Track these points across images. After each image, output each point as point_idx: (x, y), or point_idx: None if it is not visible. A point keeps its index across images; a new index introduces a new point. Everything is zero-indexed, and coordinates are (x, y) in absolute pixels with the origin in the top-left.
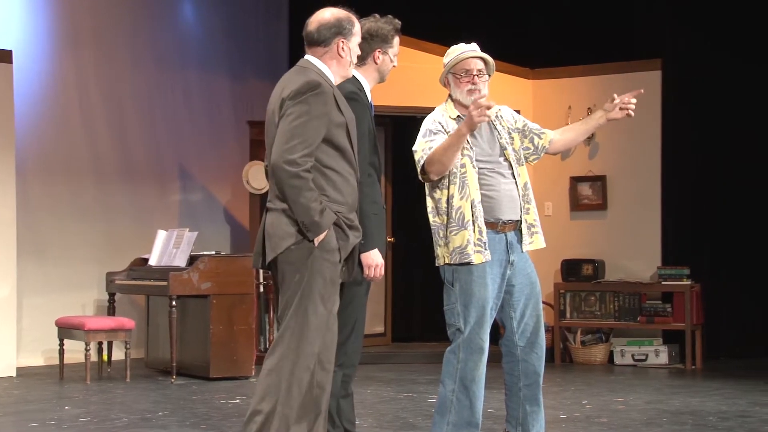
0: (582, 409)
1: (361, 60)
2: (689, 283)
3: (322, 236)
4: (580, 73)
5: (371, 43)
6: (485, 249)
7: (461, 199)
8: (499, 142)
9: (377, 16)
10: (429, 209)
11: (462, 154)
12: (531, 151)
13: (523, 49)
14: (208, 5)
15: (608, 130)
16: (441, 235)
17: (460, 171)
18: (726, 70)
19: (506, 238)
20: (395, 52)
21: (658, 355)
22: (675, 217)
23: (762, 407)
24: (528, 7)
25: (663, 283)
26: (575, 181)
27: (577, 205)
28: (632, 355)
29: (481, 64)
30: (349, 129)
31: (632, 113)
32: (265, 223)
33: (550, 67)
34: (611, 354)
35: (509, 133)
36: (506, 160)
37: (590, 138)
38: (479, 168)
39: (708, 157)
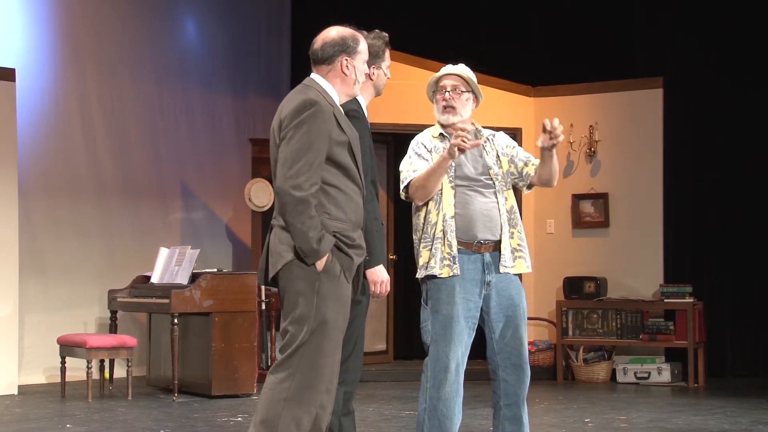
0: (584, 427)
1: None
2: (691, 300)
3: (322, 261)
4: (582, 90)
5: None
6: (454, 263)
7: (437, 215)
8: (485, 161)
9: (365, 33)
10: (413, 227)
11: None
12: (516, 177)
13: (524, 67)
14: (211, 23)
15: (610, 149)
16: (416, 252)
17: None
18: (727, 88)
19: (483, 259)
20: (387, 65)
21: (661, 373)
22: (677, 234)
23: (765, 426)
24: (529, 25)
25: (665, 300)
26: (577, 198)
27: (579, 222)
28: (635, 373)
29: (456, 82)
30: (352, 147)
31: (555, 139)
32: (269, 239)
33: (551, 85)
34: (614, 372)
35: (498, 156)
36: (490, 179)
37: (592, 155)
38: (457, 184)
39: (709, 174)
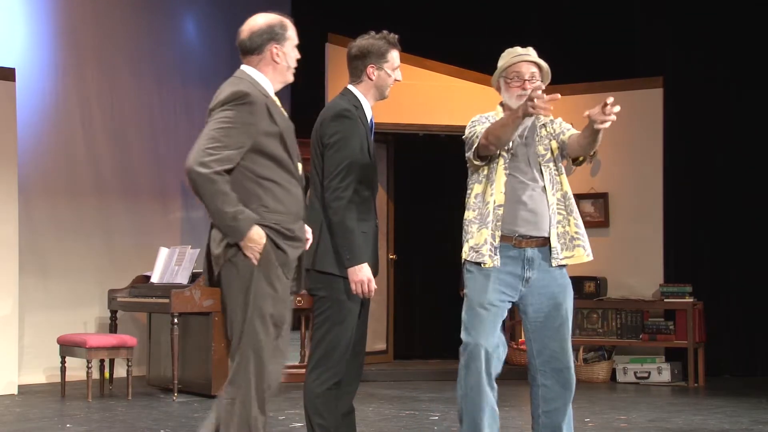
0: (585, 427)
1: (356, 77)
2: (691, 300)
3: (255, 247)
4: (582, 90)
5: (364, 59)
6: (495, 254)
7: (490, 195)
8: (537, 149)
9: (373, 33)
10: (466, 203)
11: (499, 153)
12: (561, 147)
13: None
14: (210, 22)
15: (610, 148)
16: (467, 231)
17: (493, 168)
18: (727, 88)
19: (524, 254)
20: (392, 66)
21: (661, 372)
22: (677, 234)
23: (765, 425)
24: (530, 25)
25: (665, 300)
26: (577, 198)
27: None
28: (635, 373)
29: (534, 69)
30: (285, 138)
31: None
32: (208, 239)
33: (552, 85)
34: (614, 372)
35: (550, 141)
36: (540, 171)
37: (592, 155)
38: (510, 172)
39: (709, 174)
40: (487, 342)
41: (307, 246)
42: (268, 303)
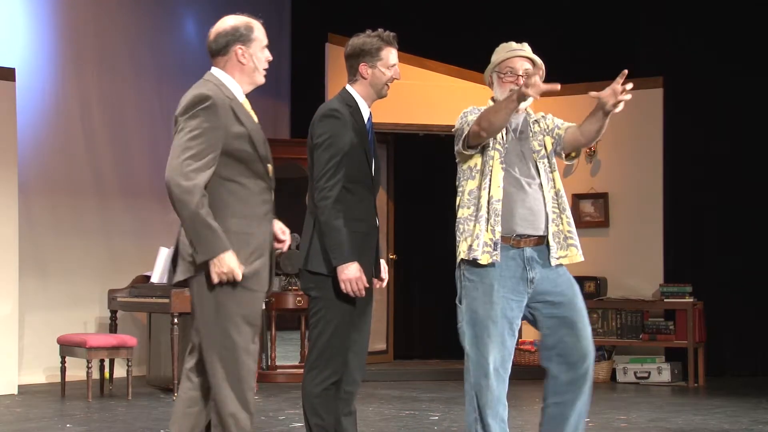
0: (584, 427)
1: (352, 76)
2: (692, 300)
3: (220, 268)
4: (582, 90)
5: (357, 58)
6: (494, 250)
7: (486, 190)
8: (532, 147)
9: (369, 31)
10: (457, 203)
11: (493, 147)
12: (556, 142)
13: None
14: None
15: (610, 148)
16: (464, 229)
17: (488, 162)
18: (727, 87)
19: (524, 254)
20: (386, 64)
21: (661, 372)
22: (677, 234)
23: (765, 425)
24: (530, 25)
25: (665, 300)
26: (577, 198)
27: (579, 222)
28: (635, 373)
29: (528, 65)
30: (253, 140)
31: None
32: (178, 239)
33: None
34: (614, 372)
35: (543, 136)
36: (536, 167)
37: (592, 155)
38: (505, 168)
39: (710, 174)
40: (497, 355)
41: (285, 247)
42: (238, 304)
